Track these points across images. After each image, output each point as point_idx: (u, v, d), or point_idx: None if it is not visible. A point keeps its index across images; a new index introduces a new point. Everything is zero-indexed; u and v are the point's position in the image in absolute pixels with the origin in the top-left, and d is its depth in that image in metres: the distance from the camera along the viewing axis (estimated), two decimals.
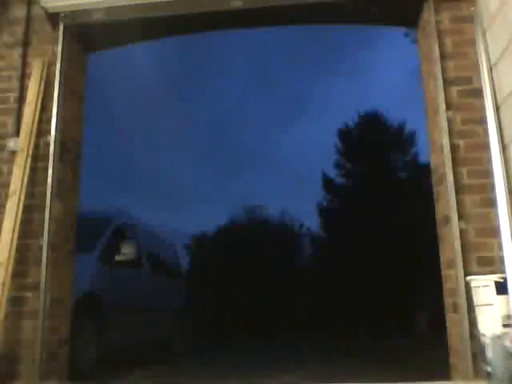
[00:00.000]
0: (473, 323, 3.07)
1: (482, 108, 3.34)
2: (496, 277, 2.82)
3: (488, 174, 3.27)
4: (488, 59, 3.35)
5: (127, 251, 5.58)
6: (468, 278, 3.07)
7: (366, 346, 9.46)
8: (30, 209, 3.69)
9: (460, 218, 3.35)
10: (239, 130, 39.11)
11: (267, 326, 15.34)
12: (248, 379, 4.29)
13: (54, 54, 3.98)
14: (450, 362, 3.49)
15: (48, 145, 3.80)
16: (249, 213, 22.81)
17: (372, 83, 37.29)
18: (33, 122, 3.78)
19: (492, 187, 3.18)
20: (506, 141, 3.14)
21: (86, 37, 4.26)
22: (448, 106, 3.53)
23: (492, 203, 3.22)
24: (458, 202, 3.37)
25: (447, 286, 3.54)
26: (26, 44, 4.03)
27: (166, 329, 6.98)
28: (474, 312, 2.98)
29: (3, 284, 3.35)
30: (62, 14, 4.00)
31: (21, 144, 3.72)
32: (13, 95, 3.94)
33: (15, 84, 3.95)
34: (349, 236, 18.35)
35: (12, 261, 3.45)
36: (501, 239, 3.03)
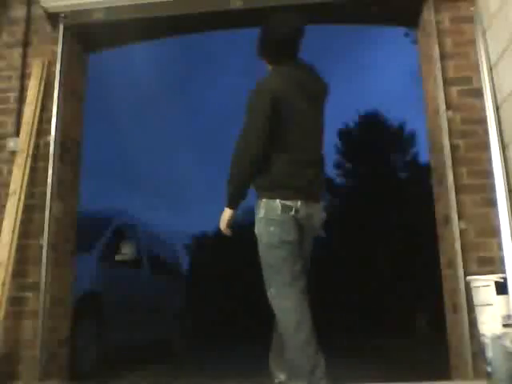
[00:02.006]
0: (473, 323, 3.07)
1: (482, 108, 3.33)
2: (496, 277, 2.81)
3: (488, 174, 3.27)
4: (488, 59, 3.34)
5: (127, 251, 5.57)
6: (468, 278, 3.07)
7: (366, 346, 9.46)
8: (30, 209, 3.68)
9: (460, 217, 3.35)
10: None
11: (267, 326, 15.33)
12: (248, 379, 4.29)
13: (54, 54, 3.98)
14: (450, 362, 3.49)
15: (48, 145, 3.80)
16: (249, 213, 22.80)
17: (372, 83, 37.35)
18: (33, 122, 3.78)
19: (492, 187, 3.17)
20: (506, 141, 3.14)
21: (85, 37, 4.26)
22: (448, 106, 3.53)
23: (492, 203, 3.22)
24: (458, 202, 3.37)
25: (447, 286, 3.54)
26: (26, 44, 4.03)
27: (165, 329, 6.97)
28: (473, 312, 2.98)
29: (3, 284, 3.35)
30: (62, 14, 4.00)
31: (21, 144, 3.72)
32: (13, 95, 3.93)
33: (15, 84, 3.95)
34: (349, 236, 18.36)
35: (12, 261, 3.45)
36: (501, 239, 3.02)
